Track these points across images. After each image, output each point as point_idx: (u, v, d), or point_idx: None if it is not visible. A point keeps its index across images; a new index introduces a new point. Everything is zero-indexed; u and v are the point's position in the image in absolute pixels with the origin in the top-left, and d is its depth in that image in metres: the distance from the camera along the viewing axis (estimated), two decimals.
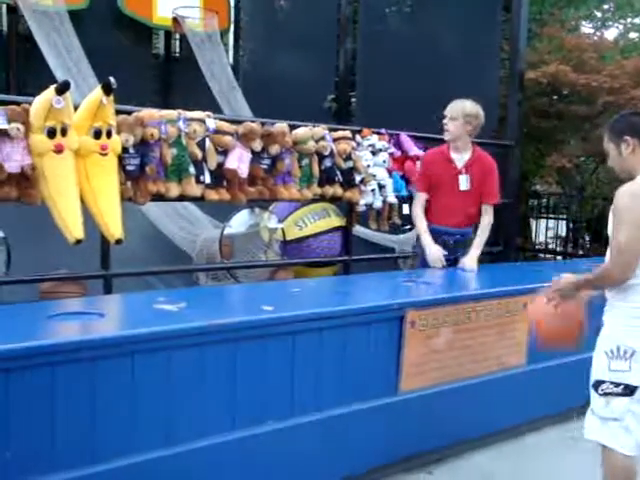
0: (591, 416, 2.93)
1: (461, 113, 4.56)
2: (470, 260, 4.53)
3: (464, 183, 4.59)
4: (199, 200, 4.42)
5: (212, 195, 4.32)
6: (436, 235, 4.60)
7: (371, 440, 3.40)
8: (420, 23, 7.58)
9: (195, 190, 4.20)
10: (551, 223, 9.13)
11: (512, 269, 5.36)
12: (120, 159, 3.78)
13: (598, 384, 2.88)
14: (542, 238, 9.17)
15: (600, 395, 2.86)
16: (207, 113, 4.27)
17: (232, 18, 8.56)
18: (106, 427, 2.54)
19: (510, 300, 3.95)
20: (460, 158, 4.64)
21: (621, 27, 11.77)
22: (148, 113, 3.94)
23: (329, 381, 3.24)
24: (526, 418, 4.19)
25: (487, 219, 4.66)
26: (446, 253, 4.56)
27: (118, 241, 3.65)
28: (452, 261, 4.62)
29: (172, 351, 2.70)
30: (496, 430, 4.02)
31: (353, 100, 7.99)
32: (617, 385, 2.82)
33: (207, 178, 4.24)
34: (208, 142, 4.21)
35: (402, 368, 3.49)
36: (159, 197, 4.11)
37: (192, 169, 4.13)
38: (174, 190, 4.12)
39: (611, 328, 2.89)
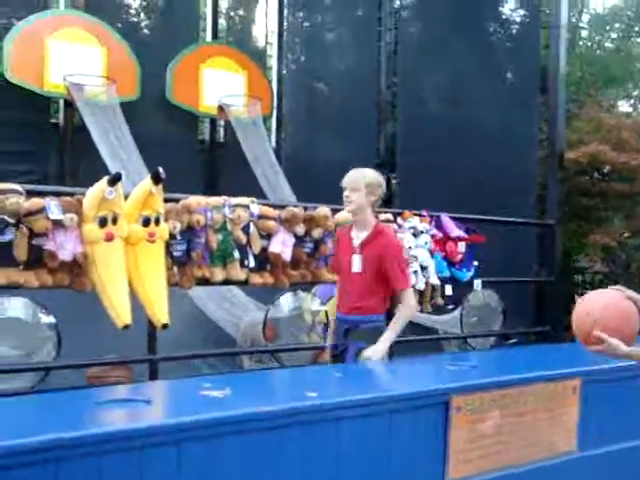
0: None
1: (362, 183, 3.99)
2: (371, 351, 3.89)
3: (356, 264, 3.97)
4: (243, 284, 4.49)
5: (256, 279, 4.39)
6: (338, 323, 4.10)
7: None
8: (459, 106, 7.74)
9: (239, 274, 4.28)
10: None
11: (560, 350, 5.25)
12: (167, 245, 3.90)
13: None
14: None
15: None
16: (251, 199, 4.39)
17: (275, 104, 8.83)
18: None
19: (559, 384, 3.87)
20: (359, 236, 4.02)
21: None
22: (195, 200, 4.07)
23: (374, 470, 3.19)
24: None
25: (401, 308, 4.03)
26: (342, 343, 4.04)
27: (164, 326, 3.72)
28: (340, 354, 4.07)
29: (218, 439, 2.70)
30: None
31: (394, 182, 8.11)
32: None
33: (251, 262, 4.33)
34: (252, 227, 4.32)
35: (449, 456, 3.42)
36: (204, 281, 4.19)
37: (237, 254, 4.23)
38: (219, 274, 4.21)
39: None
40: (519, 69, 7.57)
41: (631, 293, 2.97)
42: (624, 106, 10.51)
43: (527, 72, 7.50)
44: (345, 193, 4.06)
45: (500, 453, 3.62)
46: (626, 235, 7.83)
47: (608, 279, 8.78)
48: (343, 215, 4.73)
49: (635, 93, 10.46)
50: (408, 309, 4.06)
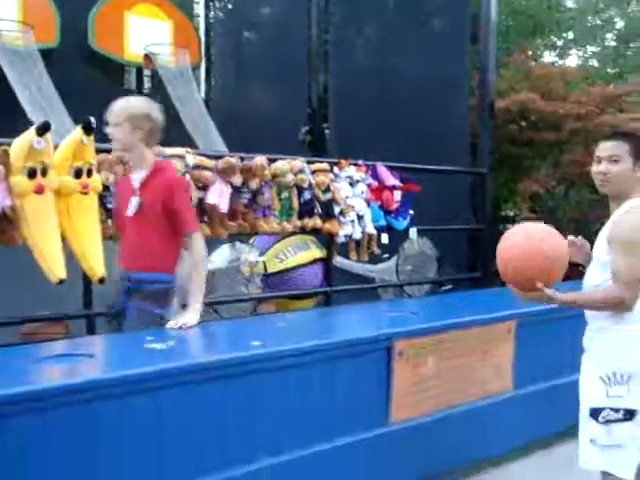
0: (588, 445, 2.88)
1: (124, 116, 3.35)
2: (181, 322, 3.29)
3: (133, 207, 3.37)
4: None
5: None
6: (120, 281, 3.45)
7: (361, 472, 3.38)
8: (389, 56, 7.70)
9: None
10: None
11: (494, 294, 5.40)
12: (101, 197, 3.76)
13: (597, 412, 2.83)
14: None
15: (601, 423, 2.83)
16: (186, 149, 4.28)
17: (203, 53, 8.61)
18: (100, 468, 2.50)
19: (495, 326, 3.98)
20: (137, 177, 3.43)
21: (581, 55, 12.13)
22: None
23: (319, 414, 3.22)
24: (514, 443, 4.19)
25: (192, 254, 3.41)
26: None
27: (101, 280, 3.61)
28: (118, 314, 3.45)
29: (164, 390, 2.66)
30: (485, 457, 4.02)
31: (327, 132, 8.07)
32: (617, 411, 2.79)
33: None
34: (188, 178, 4.20)
35: (392, 399, 3.48)
36: None
37: None
38: None
39: (604, 354, 2.88)
40: (449, 18, 7.56)
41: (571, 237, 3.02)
42: (550, 56, 10.70)
43: (457, 21, 7.50)
44: (108, 130, 3.40)
45: (440, 395, 3.72)
46: (553, 183, 8.04)
47: None
48: (280, 165, 4.68)
49: (560, 43, 10.65)
50: (199, 263, 3.42)
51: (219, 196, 4.35)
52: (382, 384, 3.46)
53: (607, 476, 2.85)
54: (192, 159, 4.26)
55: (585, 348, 2.99)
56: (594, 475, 2.91)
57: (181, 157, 4.18)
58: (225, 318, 4.76)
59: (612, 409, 2.81)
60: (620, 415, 2.79)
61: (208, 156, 4.46)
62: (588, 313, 2.98)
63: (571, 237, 3.06)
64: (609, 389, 2.82)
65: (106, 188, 3.78)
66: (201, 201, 4.31)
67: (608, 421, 2.81)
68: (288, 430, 3.11)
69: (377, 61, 7.96)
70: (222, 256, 5.09)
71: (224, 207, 4.37)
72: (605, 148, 2.87)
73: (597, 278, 2.86)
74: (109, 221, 3.86)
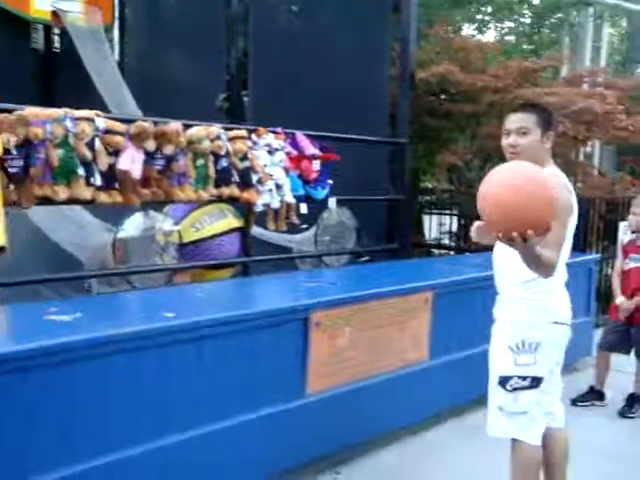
0: (496, 412, 2.93)
1: None
2: None
3: None
4: (89, 203, 4.19)
5: (103, 197, 4.11)
6: None
7: (280, 444, 3.33)
8: (310, 22, 7.56)
9: (85, 193, 3.97)
10: (443, 219, 9.37)
11: (411, 265, 5.43)
12: (2, 161, 3.53)
13: (505, 380, 2.90)
14: (434, 234, 9.39)
15: (508, 391, 2.89)
16: (96, 112, 4.06)
17: (117, 13, 8.21)
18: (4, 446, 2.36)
19: (412, 297, 3.99)
20: None
21: (499, 30, 12.32)
22: (31, 112, 3.70)
23: (236, 386, 3.15)
24: (430, 412, 4.24)
25: None
26: None
27: (2, 249, 3.40)
28: None
29: (69, 365, 2.52)
30: (402, 426, 4.05)
31: (246, 99, 7.88)
32: (524, 379, 2.86)
33: (98, 180, 4.03)
34: (98, 142, 4.00)
35: (309, 370, 3.44)
36: (46, 201, 3.86)
37: (81, 171, 3.91)
38: (62, 193, 3.89)
39: (513, 323, 2.93)
40: None
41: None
42: (469, 29, 10.81)
43: None
44: None
45: (358, 365, 3.71)
46: (470, 156, 8.14)
47: (453, 199, 9.17)
48: (196, 131, 4.52)
49: (479, 17, 10.77)
50: None
51: (131, 162, 4.15)
52: (299, 355, 3.42)
53: (515, 442, 2.91)
54: (103, 123, 4.05)
55: (495, 318, 3.03)
56: (503, 441, 2.96)
57: (90, 120, 3.97)
58: (138, 288, 4.59)
59: (519, 377, 2.87)
60: (527, 383, 2.86)
61: (120, 120, 4.25)
62: (499, 283, 3.01)
63: (477, 223, 3.03)
64: (517, 357, 2.87)
65: (7, 151, 3.53)
66: (112, 167, 4.11)
67: (515, 389, 2.87)
68: (204, 403, 3.03)
69: (299, 28, 7.80)
70: (135, 225, 4.88)
71: (137, 173, 4.19)
72: (513, 120, 2.89)
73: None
74: (11, 186, 3.64)
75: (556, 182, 2.72)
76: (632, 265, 4.86)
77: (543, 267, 2.64)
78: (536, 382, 2.86)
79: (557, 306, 2.89)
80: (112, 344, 2.65)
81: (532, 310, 2.88)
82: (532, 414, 2.87)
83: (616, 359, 5.08)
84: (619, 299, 4.83)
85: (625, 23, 17.32)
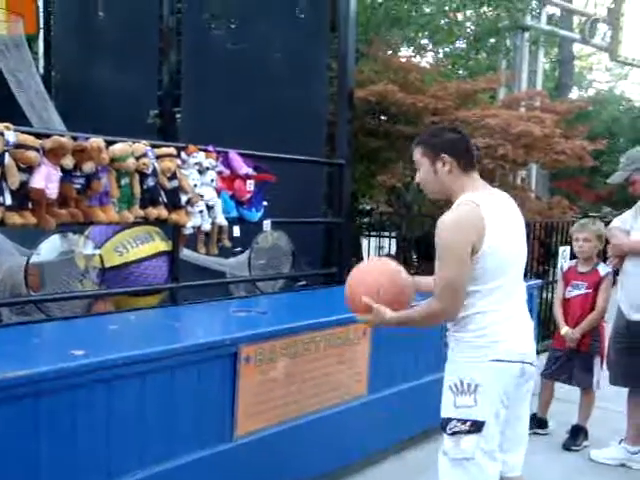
0: (442, 457, 2.72)
1: None
2: None
3: None
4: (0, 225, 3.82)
5: (14, 219, 3.74)
6: None
7: None
8: (247, 38, 7.33)
9: None
10: (382, 242, 9.22)
11: None
12: None
13: (446, 423, 2.68)
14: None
15: (449, 435, 2.67)
16: (6, 124, 3.69)
17: (42, 23, 7.83)
18: None
19: (349, 327, 3.74)
20: None
21: (435, 54, 12.35)
22: None
23: (154, 432, 2.83)
24: (371, 448, 3.99)
25: None
26: None
27: None
28: None
29: None
30: (339, 466, 3.78)
31: (178, 116, 7.58)
32: (464, 422, 2.62)
33: (7, 199, 3.66)
34: (8, 158, 3.64)
35: (237, 410, 3.14)
36: None
37: None
38: None
39: (453, 361, 2.72)
40: (310, 3, 7.30)
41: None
42: (408, 51, 10.75)
43: (317, 7, 7.25)
44: None
45: (292, 403, 3.44)
46: (409, 177, 8.01)
47: (391, 221, 9.02)
48: (120, 147, 4.20)
49: (418, 40, 10.73)
50: None
51: (46, 180, 3.80)
52: (227, 394, 3.12)
53: None
54: (13, 136, 3.69)
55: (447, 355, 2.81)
56: None
57: None
58: (54, 318, 4.21)
59: (459, 420, 2.64)
60: (466, 427, 2.62)
61: (34, 134, 3.89)
62: None
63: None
64: (457, 399, 2.65)
65: None
66: (24, 185, 3.75)
67: (454, 432, 2.64)
68: (118, 452, 2.70)
69: (234, 43, 7.56)
70: (51, 248, 4.50)
71: (52, 192, 3.83)
72: (413, 158, 2.83)
73: None
74: None
75: (447, 220, 2.57)
76: (574, 293, 4.74)
77: (425, 319, 2.67)
78: (476, 427, 2.61)
79: (497, 342, 2.63)
80: (4, 389, 2.30)
81: (467, 348, 2.66)
82: (477, 461, 2.63)
83: (560, 387, 4.95)
84: (564, 329, 4.68)
85: (557, 50, 17.77)
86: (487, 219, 2.56)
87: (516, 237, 2.73)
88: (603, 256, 5.11)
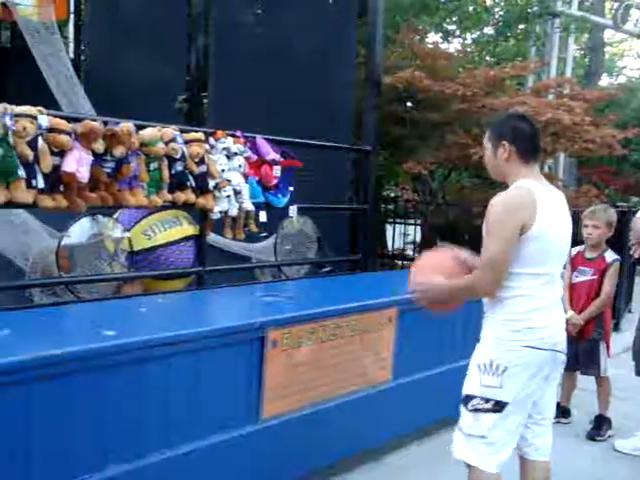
0: (458, 433, 2.77)
1: None
2: None
3: None
4: (31, 207, 3.89)
5: (46, 202, 3.81)
6: None
7: (232, 473, 3.07)
8: (274, 24, 7.33)
9: (26, 196, 3.67)
10: (407, 229, 9.19)
11: (374, 280, 5.21)
12: None
13: (468, 399, 2.73)
14: (397, 244, 9.20)
15: (469, 411, 2.71)
16: (39, 108, 3.75)
17: (72, 8, 7.89)
18: None
19: (375, 314, 3.76)
20: None
21: (463, 40, 12.23)
22: None
23: (183, 413, 2.88)
24: (394, 434, 4.02)
25: None
26: None
27: None
28: None
29: None
30: (364, 450, 3.82)
31: (205, 101, 7.61)
32: (487, 401, 2.67)
33: (40, 182, 3.73)
34: (41, 141, 3.70)
35: (264, 393, 3.18)
36: None
37: (22, 172, 3.61)
38: (0, 196, 3.58)
39: (485, 341, 2.75)
40: None
41: (459, 253, 2.85)
42: (435, 37, 10.69)
43: None
44: None
45: (317, 387, 3.47)
46: (435, 165, 7.98)
47: (416, 208, 8.99)
48: (149, 132, 4.24)
49: (446, 26, 10.65)
50: None
51: (78, 164, 3.85)
52: (254, 377, 3.16)
53: (470, 467, 2.72)
54: (46, 120, 3.74)
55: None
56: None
57: (33, 117, 3.66)
58: (83, 300, 4.29)
59: (482, 398, 2.69)
60: (489, 405, 2.68)
61: (67, 118, 3.95)
62: (483, 300, 2.82)
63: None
64: (482, 378, 2.69)
65: None
66: (57, 168, 3.81)
67: (476, 410, 2.68)
68: (148, 431, 2.76)
69: (262, 29, 7.56)
70: (81, 230, 4.57)
71: (84, 176, 3.89)
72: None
73: None
74: None
75: (498, 200, 2.65)
76: (581, 278, 4.70)
77: (468, 290, 2.72)
78: (500, 407, 2.65)
79: (533, 328, 2.66)
80: (35, 369, 2.36)
81: (503, 330, 2.69)
82: (491, 440, 2.67)
83: (585, 378, 4.93)
84: (569, 313, 4.62)
85: (587, 37, 17.50)
86: (539, 204, 2.62)
87: (563, 227, 2.77)
88: (620, 244, 5.04)
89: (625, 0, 12.62)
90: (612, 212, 4.76)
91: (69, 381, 2.48)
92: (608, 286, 4.62)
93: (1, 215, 4.57)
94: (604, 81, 20.79)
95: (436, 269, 2.78)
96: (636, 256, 4.53)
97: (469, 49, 11.43)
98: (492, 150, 2.81)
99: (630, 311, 8.43)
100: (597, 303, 4.61)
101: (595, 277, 4.65)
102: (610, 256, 4.66)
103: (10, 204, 3.70)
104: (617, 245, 4.92)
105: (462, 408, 2.76)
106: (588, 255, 4.72)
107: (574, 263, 4.76)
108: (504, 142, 2.75)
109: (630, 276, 8.69)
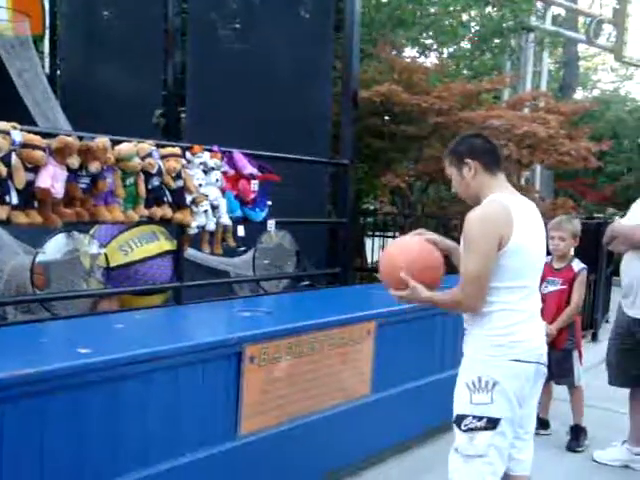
0: (454, 455, 2.73)
1: None
2: None
3: None
4: (5, 223, 3.84)
5: (20, 218, 3.76)
6: None
7: None
8: (251, 38, 7.35)
9: None
10: (385, 242, 9.21)
11: (353, 293, 5.21)
12: None
13: (460, 419, 2.70)
14: (376, 257, 9.21)
15: (463, 431, 2.68)
16: (13, 124, 3.72)
17: (47, 24, 7.85)
18: None
19: (354, 327, 3.75)
20: None
21: (439, 54, 12.34)
22: None
23: (159, 430, 2.84)
24: (372, 449, 4.00)
25: None
26: None
27: None
28: None
29: None
30: (341, 466, 3.79)
31: (183, 116, 7.60)
32: (480, 419, 2.64)
33: (14, 198, 3.69)
34: (14, 157, 3.66)
35: (242, 409, 3.16)
36: None
37: None
38: None
39: (471, 358, 2.73)
40: (314, 3, 7.31)
41: (430, 235, 2.87)
42: (412, 51, 10.76)
43: (322, 8, 7.26)
44: None
45: (296, 402, 3.45)
46: (413, 177, 8.02)
47: (395, 221, 9.02)
48: (126, 147, 4.21)
49: (422, 40, 10.73)
50: None
51: (52, 179, 3.82)
52: (231, 393, 3.13)
53: None
54: (19, 136, 3.71)
55: (463, 353, 2.82)
56: None
57: (5, 133, 3.63)
58: (59, 317, 4.24)
59: (474, 417, 2.66)
60: (482, 423, 2.65)
61: (41, 134, 3.92)
62: (463, 315, 2.82)
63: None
64: (473, 395, 2.67)
65: None
66: (31, 184, 3.77)
67: (470, 429, 2.66)
68: (123, 450, 2.71)
69: (239, 44, 7.58)
70: (57, 247, 4.53)
71: (59, 192, 3.85)
72: (445, 171, 2.93)
73: None
74: None
75: (474, 215, 2.65)
76: (550, 289, 4.73)
77: (452, 306, 2.73)
78: (492, 423, 2.64)
79: (517, 342, 2.66)
80: (11, 387, 2.32)
81: (487, 346, 2.68)
82: (490, 459, 2.65)
83: (557, 387, 4.95)
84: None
85: (561, 51, 17.75)
86: (514, 218, 2.63)
87: (538, 239, 2.79)
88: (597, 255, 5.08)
89: (597, 15, 12.84)
90: (577, 222, 4.82)
91: (45, 400, 2.44)
92: (577, 295, 4.66)
93: None
94: (579, 94, 21.09)
95: (413, 261, 2.74)
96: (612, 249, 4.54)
97: (446, 62, 11.52)
98: (457, 172, 2.82)
99: (607, 321, 8.50)
100: (568, 312, 4.65)
101: (565, 287, 4.69)
102: (577, 265, 4.71)
103: None
104: (594, 256, 4.96)
105: (455, 429, 2.73)
106: (556, 266, 4.77)
107: (542, 274, 4.79)
108: (467, 160, 2.77)
109: (607, 286, 8.77)
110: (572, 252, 4.81)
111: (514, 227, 2.62)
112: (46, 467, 2.46)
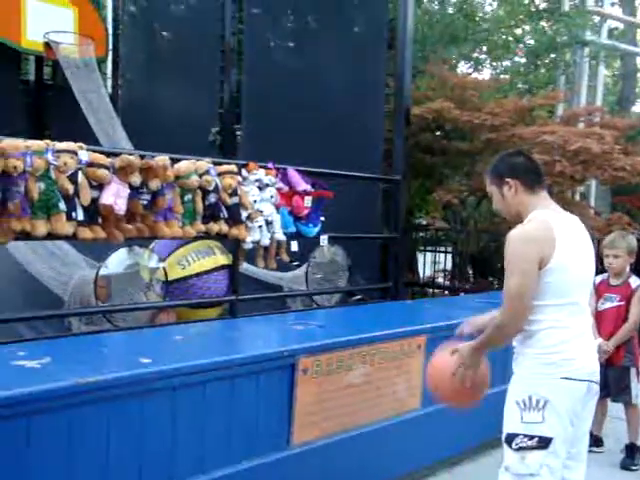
0: (504, 473, 2.72)
1: None
2: None
3: None
4: (71, 239, 4.04)
5: (85, 233, 3.95)
6: None
7: None
8: (305, 57, 7.51)
9: (66, 228, 3.82)
10: (438, 257, 9.23)
11: (404, 308, 5.26)
12: None
13: (511, 438, 2.67)
14: (428, 272, 9.23)
15: (514, 450, 2.66)
16: (79, 144, 3.92)
17: (110, 46, 8.16)
18: None
19: (405, 341, 3.81)
20: None
21: (493, 69, 12.32)
22: (10, 143, 3.55)
23: (215, 439, 2.95)
24: (423, 463, 4.03)
25: None
26: None
27: None
28: None
29: (31, 417, 2.33)
30: (394, 477, 3.84)
31: (238, 133, 7.78)
32: (531, 438, 2.63)
33: (80, 215, 3.88)
34: (81, 176, 3.86)
35: (294, 419, 3.25)
36: (25, 235, 3.71)
37: (62, 205, 3.76)
38: (41, 228, 3.73)
39: (521, 377, 2.73)
40: (367, 22, 7.43)
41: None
42: (465, 67, 10.78)
43: (375, 25, 7.39)
44: None
45: (347, 414, 3.52)
46: (465, 193, 8.03)
47: (447, 236, 9.03)
48: (184, 165, 4.38)
49: (475, 55, 10.75)
50: None
51: (115, 196, 4.00)
52: (284, 404, 3.23)
53: None
54: (86, 155, 3.91)
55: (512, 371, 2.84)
56: None
57: (73, 153, 3.83)
58: (120, 328, 4.41)
59: (525, 435, 2.65)
60: (534, 443, 2.64)
61: (105, 153, 4.12)
62: None
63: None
64: (524, 414, 2.67)
65: None
66: (95, 201, 3.96)
67: (521, 448, 2.66)
68: (180, 457, 2.83)
69: (293, 62, 7.74)
70: (119, 261, 4.73)
71: (121, 208, 4.04)
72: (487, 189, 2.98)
73: None
74: None
75: (515, 233, 2.67)
76: (607, 305, 4.69)
77: (497, 333, 2.71)
78: (544, 442, 2.61)
79: (569, 359, 2.66)
80: (77, 395, 2.46)
81: (537, 364, 2.67)
82: (541, 478, 2.62)
83: (612, 405, 4.89)
84: (597, 341, 4.60)
85: (619, 64, 17.44)
86: (557, 235, 2.64)
87: (585, 256, 2.78)
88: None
89: None
90: (631, 238, 4.77)
91: (108, 407, 2.58)
92: (635, 311, 4.62)
93: (44, 246, 4.73)
94: (638, 107, 20.66)
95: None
96: None
97: (501, 77, 11.49)
98: (498, 191, 2.85)
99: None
100: (625, 328, 4.61)
101: (622, 303, 4.65)
102: (635, 281, 4.67)
103: (51, 236, 3.85)
104: None
105: (506, 447, 2.71)
106: (613, 282, 4.73)
107: (599, 291, 4.77)
108: (507, 179, 2.80)
109: None
110: (628, 268, 4.78)
111: (556, 244, 2.62)
112: (111, 472, 2.59)
